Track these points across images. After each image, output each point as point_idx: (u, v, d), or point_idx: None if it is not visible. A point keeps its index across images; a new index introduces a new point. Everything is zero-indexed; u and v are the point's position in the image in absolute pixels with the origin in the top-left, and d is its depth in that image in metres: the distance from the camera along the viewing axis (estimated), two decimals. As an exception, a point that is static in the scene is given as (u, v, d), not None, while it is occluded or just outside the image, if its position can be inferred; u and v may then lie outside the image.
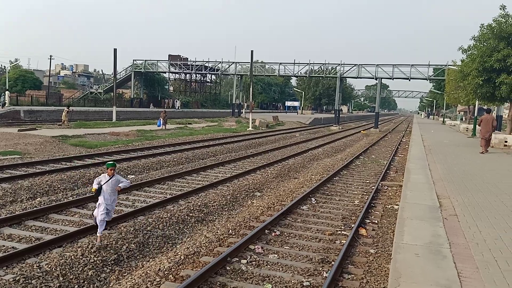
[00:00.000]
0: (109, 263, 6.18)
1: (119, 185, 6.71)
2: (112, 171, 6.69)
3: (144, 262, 6.40)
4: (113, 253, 6.42)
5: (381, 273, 5.90)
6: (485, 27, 18.37)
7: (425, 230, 5.57)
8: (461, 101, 35.15)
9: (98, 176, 6.91)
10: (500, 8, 18.12)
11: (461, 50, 19.48)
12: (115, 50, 33.98)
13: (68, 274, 5.67)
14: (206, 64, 56.42)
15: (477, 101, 26.22)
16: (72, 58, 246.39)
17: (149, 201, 9.44)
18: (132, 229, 7.37)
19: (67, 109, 26.46)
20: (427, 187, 8.74)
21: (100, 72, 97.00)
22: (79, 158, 14.26)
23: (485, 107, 23.21)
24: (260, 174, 13.46)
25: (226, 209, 9.57)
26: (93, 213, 6.88)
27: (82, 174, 11.61)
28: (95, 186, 6.64)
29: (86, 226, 7.30)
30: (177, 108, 56.36)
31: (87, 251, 6.26)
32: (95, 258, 6.15)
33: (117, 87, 52.98)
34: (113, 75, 40.51)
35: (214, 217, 8.90)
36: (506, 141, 19.12)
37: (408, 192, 8.11)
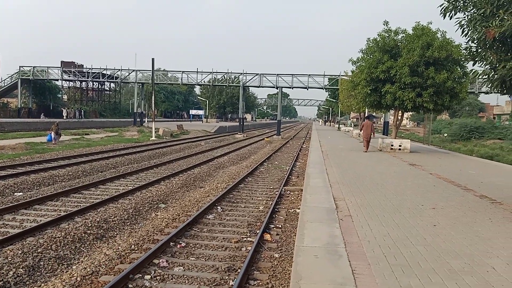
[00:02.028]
0: (-8, 293, 5.52)
1: None
2: None
3: (34, 288, 5.83)
4: (-4, 281, 5.75)
5: (285, 276, 6.10)
6: (371, 40, 20.17)
7: (323, 232, 5.90)
8: (353, 108, 38.14)
9: None
10: (384, 24, 20.06)
11: (351, 61, 21.11)
12: (-3, 54, 30.86)
13: None
14: (104, 72, 53.73)
15: (366, 109, 28.61)
16: None
17: (40, 220, 8.66)
18: (20, 252, 6.68)
19: None
20: (325, 190, 9.28)
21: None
22: (-46, 176, 12.60)
23: (374, 114, 25.50)
24: (164, 185, 13.14)
25: (128, 223, 9.16)
26: None
27: (-43, 194, 10.25)
28: None
29: (-38, 253, 6.44)
30: (64, 117, 52.16)
31: (-36, 282, 5.53)
32: (-26, 289, 5.46)
33: (2, 96, 48.08)
34: (-4, 82, 36.61)
35: (115, 233, 8.45)
36: (392, 145, 21.14)
37: (308, 196, 8.53)
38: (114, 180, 13.68)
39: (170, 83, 62.01)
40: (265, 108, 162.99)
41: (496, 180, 11.64)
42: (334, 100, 65.94)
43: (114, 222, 8.95)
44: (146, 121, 50.63)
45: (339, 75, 44.90)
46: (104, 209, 9.82)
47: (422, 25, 19.46)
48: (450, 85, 18.27)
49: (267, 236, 8.04)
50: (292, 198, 11.92)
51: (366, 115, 30.62)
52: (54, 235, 7.62)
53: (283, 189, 12.91)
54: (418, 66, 18.36)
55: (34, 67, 53.13)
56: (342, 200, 8.20)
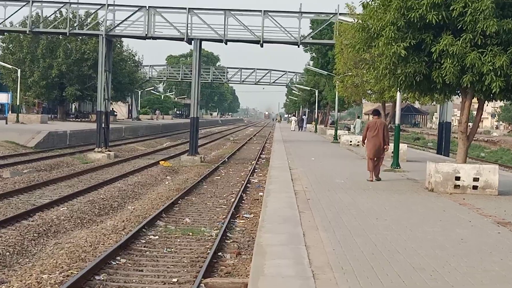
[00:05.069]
0: None
1: None
2: None
3: None
4: None
5: None
6: None
7: None
8: (368, 91, 38.78)
9: None
10: None
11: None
12: None
13: None
14: None
15: (398, 93, 29.08)
16: None
17: None
18: None
19: None
20: (297, 286, 9.32)
21: None
22: None
23: (418, 105, 26.00)
24: None
25: None
26: None
27: None
28: None
29: None
30: None
31: None
32: None
33: None
34: None
35: None
36: (457, 177, 21.49)
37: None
38: None
39: None
40: (161, 89, 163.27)
41: None
42: (325, 72, 66.88)
43: None
44: None
45: (334, 14, 45.66)
46: None
47: None
48: None
49: None
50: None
51: (397, 107, 31.16)
52: None
53: (201, 286, 12.92)
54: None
55: None
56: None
